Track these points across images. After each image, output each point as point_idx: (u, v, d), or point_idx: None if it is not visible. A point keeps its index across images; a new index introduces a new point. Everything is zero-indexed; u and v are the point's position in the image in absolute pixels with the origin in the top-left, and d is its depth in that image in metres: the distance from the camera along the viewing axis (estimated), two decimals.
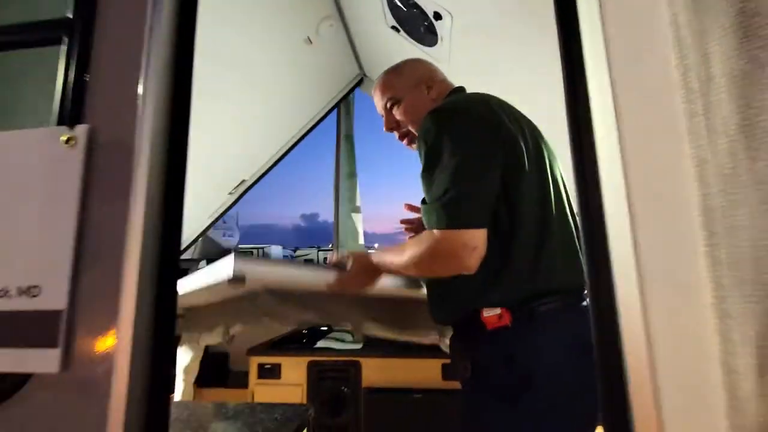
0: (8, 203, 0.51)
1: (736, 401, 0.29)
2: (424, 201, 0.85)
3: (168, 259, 0.50)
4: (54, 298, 0.48)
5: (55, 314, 0.47)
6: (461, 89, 1.06)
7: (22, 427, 0.47)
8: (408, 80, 1.06)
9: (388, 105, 1.06)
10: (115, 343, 0.47)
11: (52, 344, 0.47)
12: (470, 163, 0.80)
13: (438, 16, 1.51)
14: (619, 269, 0.38)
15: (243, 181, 2.63)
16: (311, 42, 2.13)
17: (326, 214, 3.18)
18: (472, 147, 0.81)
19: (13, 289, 0.49)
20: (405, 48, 1.96)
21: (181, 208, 0.53)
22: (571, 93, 0.46)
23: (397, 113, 1.04)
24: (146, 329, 0.48)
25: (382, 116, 1.09)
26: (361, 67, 2.65)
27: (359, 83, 2.78)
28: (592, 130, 0.43)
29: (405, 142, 1.09)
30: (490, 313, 0.81)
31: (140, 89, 0.53)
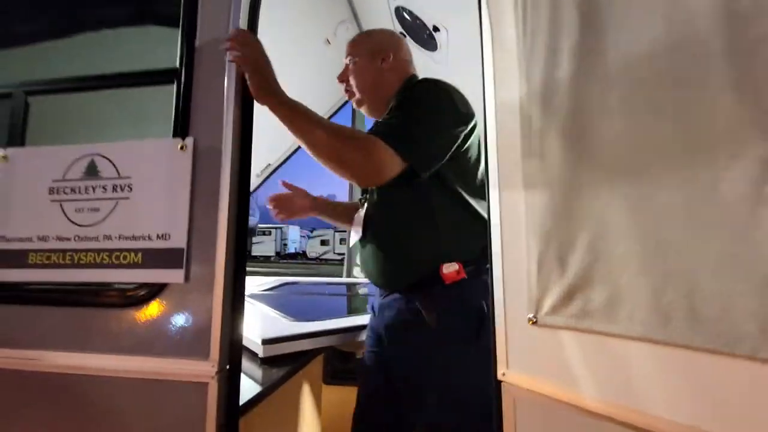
0: (149, 185, 0.85)
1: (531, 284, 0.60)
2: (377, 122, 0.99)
3: (242, 217, 0.84)
4: (178, 240, 0.82)
5: (179, 250, 0.82)
6: (417, 76, 1.17)
7: (163, 313, 0.82)
8: (371, 45, 1.14)
9: (348, 60, 1.15)
10: (213, 267, 0.81)
11: (178, 266, 0.81)
12: (437, 120, 0.97)
13: (436, 29, 1.78)
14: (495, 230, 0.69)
15: (269, 165, 2.97)
16: (329, 43, 2.42)
17: (342, 196, 3.51)
18: (448, 110, 0.98)
19: (154, 235, 0.83)
20: (411, 50, 2.23)
21: (248, 186, 0.87)
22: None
23: (349, 71, 1.14)
24: (229, 260, 0.81)
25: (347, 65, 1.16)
26: None
27: None
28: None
29: (347, 96, 1.17)
30: (449, 269, 0.96)
31: (223, 112, 0.85)
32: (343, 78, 1.16)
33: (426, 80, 1.07)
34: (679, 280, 0.45)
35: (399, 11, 1.93)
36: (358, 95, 1.14)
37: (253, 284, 2.49)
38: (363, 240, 1.13)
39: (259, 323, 1.38)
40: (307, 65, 2.43)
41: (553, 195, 0.59)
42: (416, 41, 2.08)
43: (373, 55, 1.12)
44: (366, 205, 1.14)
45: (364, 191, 1.18)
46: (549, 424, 0.61)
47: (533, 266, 0.61)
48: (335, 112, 2.97)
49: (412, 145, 0.93)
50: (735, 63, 0.42)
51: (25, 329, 0.88)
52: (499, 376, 0.66)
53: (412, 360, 1.01)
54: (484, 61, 0.73)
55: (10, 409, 0.86)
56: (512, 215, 0.65)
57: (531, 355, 0.62)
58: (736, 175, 0.41)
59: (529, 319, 0.61)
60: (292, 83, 1.99)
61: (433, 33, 1.82)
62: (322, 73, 2.66)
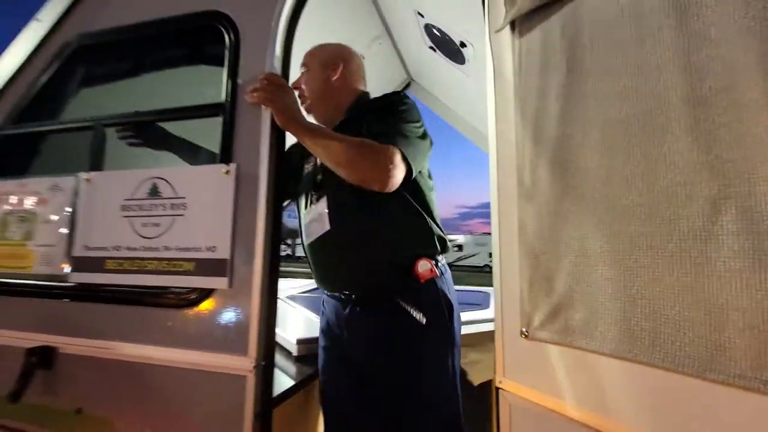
0: (200, 204, 1.00)
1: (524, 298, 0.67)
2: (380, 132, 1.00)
3: (276, 233, 0.97)
4: (223, 252, 0.96)
5: (224, 261, 0.96)
6: (369, 94, 1.25)
7: (209, 314, 0.96)
8: (322, 57, 1.19)
9: (302, 69, 1.20)
10: (251, 275, 0.94)
11: (223, 274, 0.95)
12: (424, 134, 1.06)
13: (463, 45, 1.84)
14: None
15: None
16: (364, 58, 2.54)
17: None
18: (422, 126, 1.08)
19: (203, 247, 0.98)
20: (441, 62, 2.30)
21: (281, 205, 0.99)
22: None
23: (302, 79, 1.18)
24: (265, 269, 0.94)
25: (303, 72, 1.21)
26: (408, 72, 3.00)
27: (407, 86, 3.14)
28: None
29: (300, 101, 1.16)
30: (424, 268, 1.01)
31: (260, 141, 0.98)
32: (296, 85, 1.18)
33: (403, 94, 1.17)
34: (644, 305, 0.50)
35: (428, 28, 2.01)
36: (308, 102, 1.18)
37: (292, 286, 2.65)
38: (324, 240, 1.09)
39: (296, 324, 1.52)
40: None
41: (541, 222, 0.65)
42: (446, 55, 2.14)
43: (324, 66, 1.18)
44: (322, 202, 1.11)
45: (315, 187, 1.15)
46: (539, 429, 0.67)
47: (525, 285, 0.67)
48: None
49: (417, 155, 1.01)
50: (691, 112, 0.47)
51: (102, 323, 1.06)
52: (497, 383, 0.73)
53: (397, 359, 1.01)
54: (488, 94, 0.80)
55: (91, 387, 1.04)
56: (509, 238, 0.72)
57: (523, 366, 0.68)
58: (692, 213, 0.46)
59: (521, 333, 0.67)
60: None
61: (461, 48, 1.88)
62: None
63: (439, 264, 1.07)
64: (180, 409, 0.96)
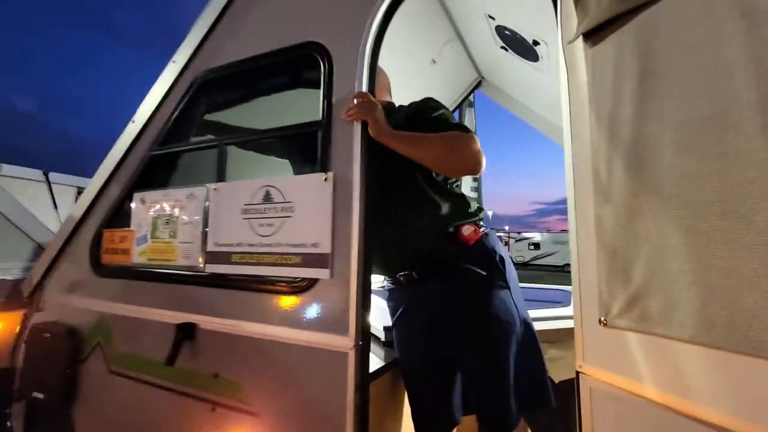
0: (305, 207, 1.19)
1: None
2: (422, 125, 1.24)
3: (368, 230, 1.11)
4: (325, 248, 1.14)
5: (326, 255, 1.13)
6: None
7: (315, 299, 1.14)
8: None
9: None
10: (349, 267, 1.10)
11: (325, 266, 1.13)
12: None
13: (536, 42, 1.85)
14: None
15: None
16: (435, 62, 2.63)
17: None
18: None
19: (309, 243, 1.16)
20: (514, 60, 2.30)
21: (372, 207, 1.14)
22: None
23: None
24: (360, 263, 1.09)
25: None
26: (478, 71, 3.02)
27: (478, 85, 3.16)
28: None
29: None
30: (468, 231, 1.23)
31: (353, 152, 1.14)
32: None
33: (431, 99, 1.37)
34: (721, 294, 0.54)
35: (500, 29, 2.04)
36: None
37: (376, 281, 2.84)
38: (385, 225, 1.25)
39: (381, 314, 1.67)
40: (414, 84, 2.69)
41: (618, 217, 0.70)
42: (519, 54, 2.15)
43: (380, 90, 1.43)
44: None
45: None
46: (619, 411, 0.71)
47: (603, 277, 0.73)
48: None
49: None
50: (762, 112, 0.50)
51: (229, 305, 1.30)
52: (577, 368, 0.78)
53: (470, 314, 1.21)
54: (562, 99, 0.85)
55: (225, 357, 1.28)
56: (586, 233, 0.77)
57: (602, 352, 0.74)
58: (765, 208, 0.50)
59: (600, 321, 0.73)
60: (403, 99, 2.26)
61: (533, 46, 1.89)
62: (427, 92, 2.90)
63: (482, 226, 1.28)
64: (294, 378, 1.15)
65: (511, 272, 1.28)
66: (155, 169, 1.59)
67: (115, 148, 1.66)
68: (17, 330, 1.83)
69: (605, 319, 0.72)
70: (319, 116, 1.22)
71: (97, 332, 1.60)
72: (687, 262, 0.59)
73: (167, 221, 1.49)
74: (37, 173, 3.68)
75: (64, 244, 1.76)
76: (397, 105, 1.47)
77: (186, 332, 1.33)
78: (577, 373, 0.79)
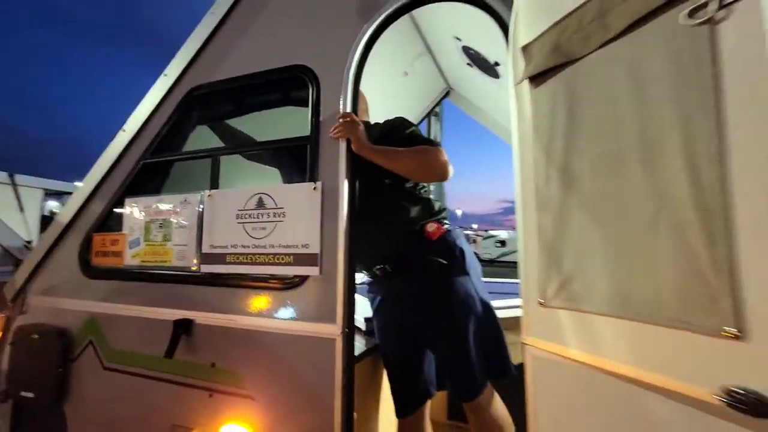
0: (296, 212, 1.34)
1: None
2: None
3: (352, 233, 1.28)
4: (314, 248, 1.30)
5: (315, 254, 1.29)
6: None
7: (307, 293, 1.30)
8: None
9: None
10: (336, 265, 1.26)
11: (315, 264, 1.29)
12: None
13: (497, 64, 2.08)
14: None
15: None
16: (407, 74, 2.83)
17: None
18: None
19: (300, 245, 1.32)
20: (478, 76, 2.54)
21: (354, 213, 1.31)
22: None
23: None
24: (346, 261, 1.26)
25: None
26: (447, 82, 3.25)
27: (447, 95, 3.39)
28: None
29: None
30: (432, 228, 1.44)
31: (338, 164, 1.30)
32: None
33: (401, 118, 1.60)
34: (626, 280, 0.75)
35: (465, 49, 2.26)
36: None
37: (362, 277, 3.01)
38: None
39: (364, 308, 1.84)
40: (389, 94, 2.87)
41: (553, 221, 0.91)
42: (482, 70, 2.38)
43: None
44: None
45: None
46: (553, 372, 0.92)
47: (541, 267, 0.93)
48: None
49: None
50: (643, 151, 0.72)
51: (225, 301, 1.43)
52: (522, 340, 0.99)
53: (435, 299, 1.41)
54: (512, 128, 1.06)
55: (221, 348, 1.41)
56: (529, 233, 0.98)
57: (541, 326, 0.94)
58: (648, 216, 0.71)
59: (539, 302, 0.93)
60: (375, 112, 2.44)
61: (494, 66, 2.12)
62: (400, 100, 3.09)
63: (444, 223, 1.48)
64: (288, 363, 1.30)
65: (472, 262, 1.48)
66: (146, 176, 1.69)
67: (105, 155, 1.73)
68: (0, 333, 1.86)
69: (543, 301, 0.93)
70: (308, 132, 1.38)
71: (88, 331, 1.67)
72: (602, 256, 0.80)
73: (161, 225, 1.60)
74: (2, 175, 3.56)
75: (50, 248, 1.81)
76: (373, 122, 1.65)
77: (183, 327, 1.45)
78: (523, 344, 0.99)
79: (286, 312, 1.33)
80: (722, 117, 0.61)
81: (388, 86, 2.82)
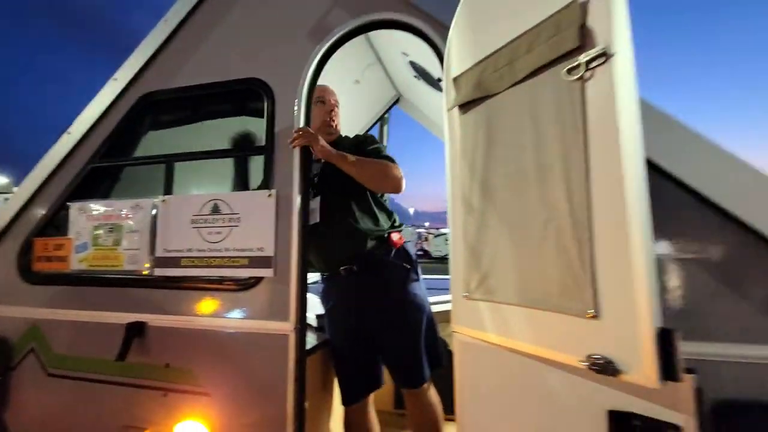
0: (251, 218, 1.42)
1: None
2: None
3: (304, 237, 1.39)
4: (269, 251, 1.39)
5: (270, 257, 1.39)
6: None
7: (262, 294, 1.39)
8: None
9: (334, 102, 1.88)
10: (289, 267, 1.37)
11: (269, 266, 1.38)
12: None
13: (440, 80, 2.27)
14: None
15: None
16: (359, 82, 2.97)
17: None
18: None
19: (255, 248, 1.41)
20: (424, 87, 2.73)
21: (308, 219, 1.42)
22: None
23: (335, 111, 1.86)
24: (298, 263, 1.37)
25: (331, 107, 1.83)
26: (397, 90, 3.43)
27: (397, 101, 3.57)
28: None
29: (332, 127, 1.80)
30: (396, 237, 1.64)
31: (293, 173, 1.41)
32: (333, 116, 1.84)
33: (372, 137, 1.84)
34: (528, 276, 0.94)
35: (412, 63, 2.44)
36: (336, 128, 1.85)
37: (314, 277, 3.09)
38: (323, 225, 1.60)
39: (315, 306, 1.95)
40: (342, 101, 2.97)
41: (475, 225, 1.09)
42: (428, 83, 2.58)
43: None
44: (318, 198, 1.64)
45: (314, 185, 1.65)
46: (476, 354, 1.10)
47: (466, 265, 1.11)
48: (367, 131, 3.51)
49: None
50: (536, 172, 0.91)
51: (179, 303, 1.48)
52: (451, 330, 1.16)
53: (394, 299, 1.60)
54: (445, 147, 1.23)
55: (176, 348, 1.46)
56: (458, 236, 1.16)
57: (466, 316, 1.12)
58: (541, 224, 0.90)
59: (464, 295, 1.11)
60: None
61: (438, 81, 2.31)
62: (353, 106, 3.22)
63: (403, 234, 1.70)
64: (243, 359, 1.39)
65: (418, 269, 1.69)
66: (95, 180, 1.68)
67: (46, 158, 1.70)
68: None
69: (467, 294, 1.10)
70: (264, 142, 1.47)
71: (29, 338, 1.64)
72: (510, 255, 0.99)
73: (111, 229, 1.60)
74: None
75: None
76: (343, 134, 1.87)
77: (136, 330, 1.48)
78: (453, 332, 1.17)
79: (241, 311, 1.41)
80: (588, 151, 0.81)
81: (340, 93, 2.91)
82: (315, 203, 1.62)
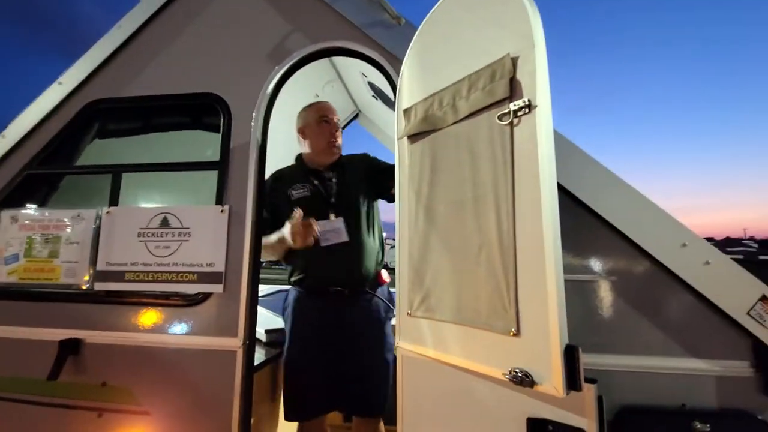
0: (202, 233, 1.42)
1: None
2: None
3: (257, 254, 1.41)
4: (219, 267, 1.40)
5: (220, 273, 1.39)
6: None
7: (210, 310, 1.39)
8: None
9: (336, 119, 1.82)
10: (240, 283, 1.38)
11: (219, 282, 1.39)
12: None
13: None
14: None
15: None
16: (318, 97, 3.02)
17: None
18: None
19: (204, 263, 1.40)
20: (382, 107, 2.84)
21: (261, 235, 1.44)
22: None
23: (338, 131, 1.82)
24: (249, 279, 1.38)
25: (336, 127, 1.78)
26: (356, 106, 3.51)
27: (356, 116, 3.65)
28: None
29: (338, 144, 1.76)
30: (385, 275, 1.69)
31: (247, 190, 1.43)
32: (337, 133, 1.81)
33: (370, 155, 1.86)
34: (463, 296, 1.04)
35: (370, 84, 2.53)
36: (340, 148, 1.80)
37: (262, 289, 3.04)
38: (346, 246, 1.60)
39: (262, 320, 1.95)
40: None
41: (419, 247, 1.17)
42: (384, 103, 2.68)
43: None
44: (338, 219, 1.63)
45: (328, 206, 1.65)
46: (417, 368, 1.18)
47: (410, 284, 1.19)
48: None
49: None
50: (471, 201, 1.01)
51: (120, 319, 1.44)
52: (396, 344, 1.24)
53: (373, 333, 1.63)
54: (396, 172, 1.32)
55: (113, 366, 1.41)
56: (403, 256, 1.24)
57: (409, 332, 1.20)
58: (475, 250, 1.00)
59: (407, 313, 1.19)
60: (290, 130, 2.53)
61: (395, 103, 2.42)
62: None
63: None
64: (188, 377, 1.37)
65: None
66: (31, 188, 1.59)
67: None
68: None
69: (410, 311, 1.18)
70: (218, 158, 1.48)
71: None
72: (448, 277, 1.08)
73: (47, 240, 1.53)
74: None
75: None
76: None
77: (70, 347, 1.41)
78: (396, 347, 1.24)
79: (187, 327, 1.40)
80: (515, 187, 0.92)
81: (300, 107, 2.96)
82: (339, 222, 1.62)
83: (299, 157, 1.83)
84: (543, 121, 0.88)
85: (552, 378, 0.80)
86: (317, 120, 1.75)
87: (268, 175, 1.54)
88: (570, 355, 0.79)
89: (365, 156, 1.85)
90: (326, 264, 1.60)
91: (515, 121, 0.93)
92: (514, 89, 0.93)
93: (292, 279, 1.68)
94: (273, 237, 1.59)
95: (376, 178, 1.71)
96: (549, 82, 0.91)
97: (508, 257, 0.92)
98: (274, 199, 1.67)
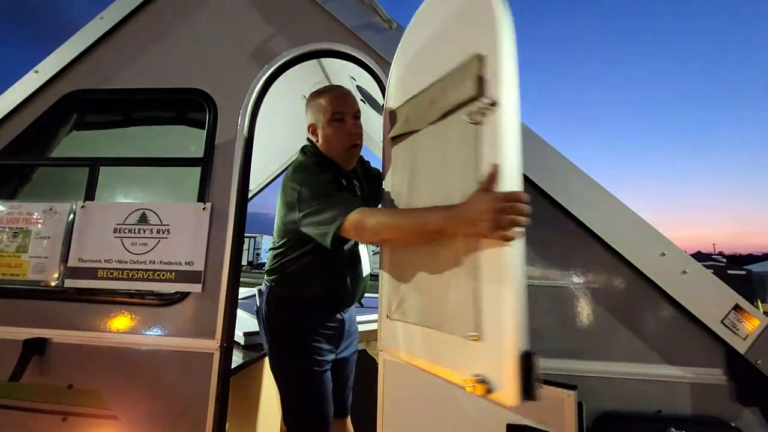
0: (182, 230, 1.38)
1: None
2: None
3: (239, 253, 1.38)
4: (199, 266, 1.36)
5: (199, 272, 1.35)
6: None
7: (187, 310, 1.34)
8: None
9: (358, 112, 1.46)
10: (219, 283, 1.34)
11: (198, 282, 1.35)
12: None
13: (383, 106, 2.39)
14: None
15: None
16: (306, 98, 3.00)
17: None
18: None
19: (183, 262, 1.36)
20: (370, 111, 2.84)
21: (243, 234, 1.41)
22: None
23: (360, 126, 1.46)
24: (229, 279, 1.35)
25: (356, 115, 1.44)
26: None
27: None
28: None
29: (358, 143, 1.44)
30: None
31: (230, 187, 1.40)
32: (359, 130, 1.46)
33: None
34: (431, 302, 1.03)
35: (359, 87, 2.54)
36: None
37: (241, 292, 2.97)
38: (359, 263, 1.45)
39: (245, 323, 1.90)
40: (288, 116, 2.99)
41: (399, 251, 1.17)
42: (372, 108, 2.69)
43: None
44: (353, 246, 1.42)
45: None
46: (394, 369, 1.17)
47: (390, 288, 1.18)
48: None
49: None
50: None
51: (90, 318, 1.38)
52: (378, 348, 1.22)
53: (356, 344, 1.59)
54: (383, 171, 1.31)
55: (81, 368, 1.35)
56: (386, 260, 1.23)
57: (388, 335, 1.18)
58: (447, 259, 1.00)
59: (387, 316, 1.18)
60: (277, 129, 2.52)
61: (382, 107, 2.42)
62: (298, 121, 3.23)
63: None
64: (161, 379, 1.32)
65: None
66: (1, 179, 1.52)
67: None
68: None
69: (389, 315, 1.17)
70: (202, 154, 1.44)
71: None
72: (420, 285, 1.07)
73: (15, 234, 1.46)
74: None
75: None
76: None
77: (35, 347, 1.34)
78: (378, 351, 1.22)
79: (162, 328, 1.35)
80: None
81: (287, 108, 2.94)
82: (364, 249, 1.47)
83: (316, 147, 1.43)
84: (508, 119, 0.85)
85: (506, 385, 0.75)
86: (329, 120, 1.37)
87: (253, 173, 1.50)
88: (526, 361, 0.74)
89: (375, 169, 1.69)
90: (351, 282, 1.42)
91: (482, 120, 0.91)
92: (481, 88, 0.91)
93: (307, 292, 1.36)
94: (432, 215, 0.98)
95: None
96: (518, 80, 0.89)
97: (472, 260, 0.90)
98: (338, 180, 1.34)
